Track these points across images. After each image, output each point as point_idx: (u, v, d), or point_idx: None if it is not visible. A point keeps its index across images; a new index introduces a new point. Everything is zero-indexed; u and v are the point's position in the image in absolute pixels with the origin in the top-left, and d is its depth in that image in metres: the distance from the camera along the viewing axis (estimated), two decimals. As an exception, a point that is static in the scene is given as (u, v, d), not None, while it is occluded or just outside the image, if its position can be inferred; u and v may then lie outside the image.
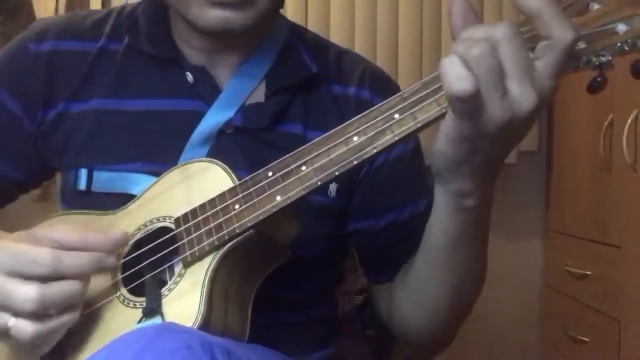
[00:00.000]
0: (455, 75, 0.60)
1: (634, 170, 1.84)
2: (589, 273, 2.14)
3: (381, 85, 1.00)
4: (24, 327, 0.71)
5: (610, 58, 0.61)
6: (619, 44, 0.60)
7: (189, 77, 0.93)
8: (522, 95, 0.62)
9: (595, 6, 0.62)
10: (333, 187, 0.94)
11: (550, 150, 2.63)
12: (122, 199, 0.88)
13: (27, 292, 0.70)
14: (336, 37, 2.42)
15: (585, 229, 2.22)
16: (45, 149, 0.96)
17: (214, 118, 0.92)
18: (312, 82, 0.97)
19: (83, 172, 0.92)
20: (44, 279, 0.71)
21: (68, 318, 0.73)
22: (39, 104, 0.94)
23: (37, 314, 0.71)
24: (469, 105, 0.62)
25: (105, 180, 0.92)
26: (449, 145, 0.67)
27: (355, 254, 1.09)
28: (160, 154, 0.90)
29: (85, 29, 0.97)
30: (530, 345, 2.63)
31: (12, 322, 0.71)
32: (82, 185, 0.92)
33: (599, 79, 0.63)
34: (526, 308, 2.60)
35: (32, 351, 0.74)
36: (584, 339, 2.15)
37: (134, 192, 0.89)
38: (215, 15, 0.84)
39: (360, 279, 1.64)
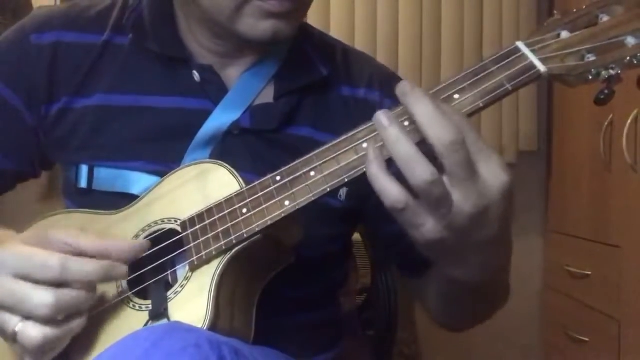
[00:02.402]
0: (393, 197, 0.63)
1: (634, 170, 1.85)
2: (589, 273, 2.15)
3: (391, 87, 1.00)
4: (33, 333, 0.69)
5: (619, 72, 0.62)
6: (628, 58, 0.60)
7: (196, 75, 0.91)
8: (463, 198, 0.63)
9: (605, 18, 0.62)
10: (343, 190, 0.93)
11: (550, 150, 2.64)
12: (123, 199, 0.87)
13: (42, 297, 0.69)
14: (336, 37, 2.41)
15: (585, 229, 2.22)
16: (47, 143, 0.95)
17: (220, 118, 0.90)
18: (321, 84, 0.96)
19: (84, 169, 0.91)
20: (51, 283, 0.70)
21: (77, 324, 0.72)
22: (42, 98, 0.92)
23: (50, 319, 0.70)
24: (404, 214, 0.64)
25: (106, 178, 0.90)
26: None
27: (385, 255, 1.11)
28: (164, 153, 0.89)
29: (90, 20, 0.95)
30: (530, 345, 2.64)
31: (19, 326, 0.70)
32: (84, 183, 0.91)
33: (606, 91, 0.63)
34: (526, 308, 2.60)
35: (37, 358, 0.73)
36: (584, 339, 2.15)
37: (134, 191, 0.89)
38: (267, 26, 0.84)
39: (360, 279, 1.65)
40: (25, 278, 0.70)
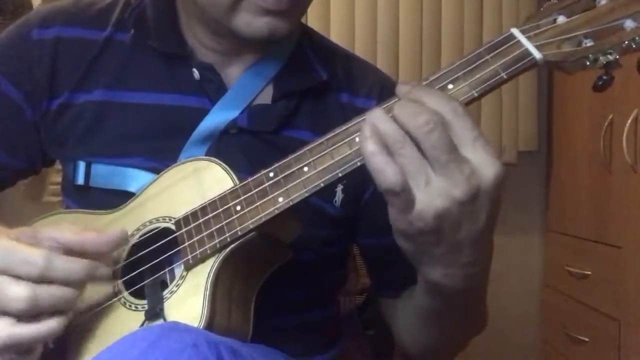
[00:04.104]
0: (391, 179, 0.61)
1: (634, 170, 1.84)
2: (589, 273, 2.15)
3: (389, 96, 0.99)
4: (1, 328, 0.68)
5: (617, 57, 0.60)
6: (626, 42, 0.59)
7: (195, 73, 0.91)
8: (450, 183, 0.61)
9: (602, 1, 0.61)
10: (339, 196, 0.93)
11: (550, 150, 2.64)
12: (121, 197, 0.87)
13: (18, 291, 0.68)
14: (336, 37, 2.42)
15: (585, 229, 2.22)
16: (47, 139, 0.95)
17: (218, 116, 0.90)
18: (320, 89, 0.96)
19: (81, 165, 0.91)
20: (33, 280, 0.69)
21: (53, 324, 0.70)
22: (43, 93, 0.92)
23: (26, 315, 0.69)
24: (399, 198, 0.62)
25: (103, 174, 0.90)
26: (397, 240, 0.67)
27: (366, 268, 1.09)
28: (161, 150, 0.89)
29: (92, 16, 0.95)
30: (530, 345, 2.64)
31: None
32: (81, 179, 0.91)
33: (605, 77, 0.62)
34: (526, 308, 2.61)
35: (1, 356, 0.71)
36: (584, 339, 2.15)
37: (131, 188, 0.88)
38: (263, 23, 0.83)
39: (360, 279, 1.64)
40: (7, 273, 0.69)
